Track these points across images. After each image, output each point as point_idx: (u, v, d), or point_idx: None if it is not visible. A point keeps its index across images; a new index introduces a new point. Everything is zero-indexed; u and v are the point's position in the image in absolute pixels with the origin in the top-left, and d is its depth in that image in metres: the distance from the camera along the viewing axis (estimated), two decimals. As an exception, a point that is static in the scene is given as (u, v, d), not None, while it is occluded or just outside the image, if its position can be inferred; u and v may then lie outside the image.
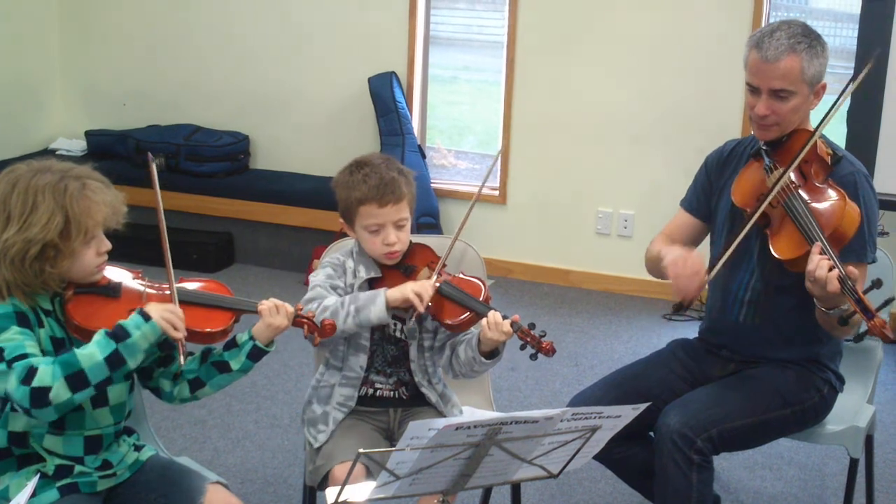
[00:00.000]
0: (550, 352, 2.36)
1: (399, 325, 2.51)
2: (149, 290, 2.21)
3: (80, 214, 2.06)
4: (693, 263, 2.52)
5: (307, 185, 5.51)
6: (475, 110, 6.18)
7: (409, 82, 5.51)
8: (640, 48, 5.12)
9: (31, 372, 1.96)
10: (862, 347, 3.01)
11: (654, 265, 2.74)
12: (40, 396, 1.95)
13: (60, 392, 1.96)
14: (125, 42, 6.07)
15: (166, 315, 2.08)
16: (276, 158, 5.87)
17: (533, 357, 2.37)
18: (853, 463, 2.82)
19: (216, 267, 5.45)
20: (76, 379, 1.98)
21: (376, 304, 2.38)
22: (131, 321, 2.05)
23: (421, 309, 2.38)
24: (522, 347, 2.39)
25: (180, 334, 2.09)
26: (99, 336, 2.03)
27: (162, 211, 2.25)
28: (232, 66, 5.87)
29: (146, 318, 2.05)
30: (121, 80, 6.12)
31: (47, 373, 1.96)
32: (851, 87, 2.55)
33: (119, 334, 2.03)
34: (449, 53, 5.98)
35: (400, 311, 2.44)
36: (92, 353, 2.00)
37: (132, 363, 2.04)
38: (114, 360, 2.01)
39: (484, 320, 2.38)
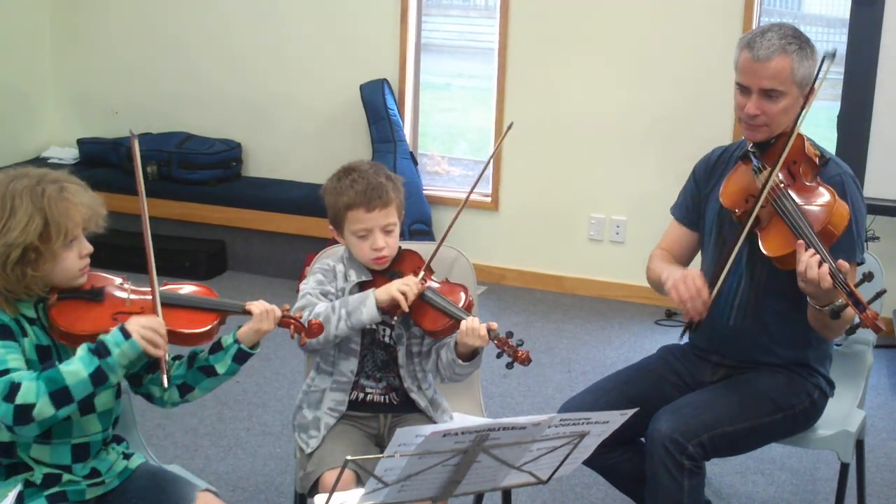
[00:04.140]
0: (526, 361, 2.36)
1: (388, 331, 2.52)
2: (132, 296, 2.20)
3: (59, 216, 2.06)
4: (694, 283, 2.55)
5: (299, 192, 5.51)
6: (468, 117, 6.19)
7: (400, 89, 5.51)
8: (631, 55, 5.13)
9: (15, 388, 1.94)
10: (852, 352, 3.01)
11: (658, 287, 2.76)
12: (24, 413, 1.94)
13: (44, 409, 1.95)
14: (117, 50, 6.07)
15: (146, 333, 2.04)
16: (268, 166, 5.88)
17: (509, 366, 2.37)
18: (844, 468, 2.83)
19: (209, 275, 5.44)
20: (60, 395, 1.97)
21: (367, 305, 2.40)
22: (111, 337, 2.03)
23: (405, 307, 2.40)
24: (499, 356, 2.39)
25: (160, 352, 2.05)
26: (82, 351, 2.02)
27: (145, 202, 2.20)
28: (224, 74, 5.87)
29: (126, 335, 2.03)
30: (113, 88, 6.11)
31: (31, 389, 1.95)
32: (818, 86, 2.55)
33: (101, 351, 2.01)
34: (442, 60, 5.98)
35: (389, 310, 2.45)
36: (77, 370, 1.99)
37: (114, 379, 2.04)
38: (97, 377, 2.00)
39: (462, 324, 2.39)
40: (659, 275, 2.72)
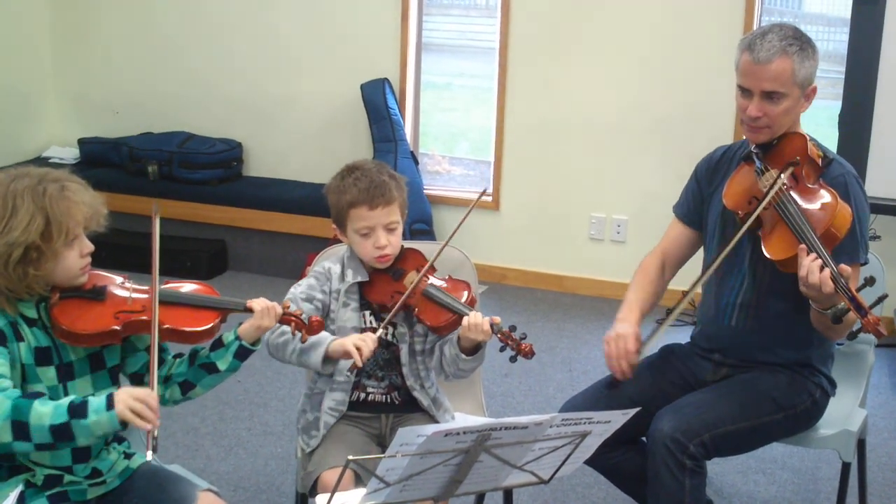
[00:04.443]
0: (530, 354, 2.37)
1: (391, 329, 2.52)
2: (134, 294, 2.20)
3: (60, 215, 2.06)
4: (625, 346, 2.60)
5: (300, 192, 5.51)
6: (469, 116, 6.19)
7: (401, 89, 5.51)
8: (633, 55, 5.12)
9: None
10: (853, 351, 3.01)
11: None
12: None
13: (2, 432, 1.92)
14: (118, 50, 6.07)
15: (135, 406, 1.96)
16: (269, 165, 5.88)
17: (512, 359, 2.38)
18: (845, 467, 2.82)
19: (209, 274, 5.44)
20: (20, 428, 1.92)
21: (317, 353, 2.39)
22: (96, 402, 1.97)
23: (359, 363, 2.36)
24: (502, 349, 2.40)
25: (148, 425, 1.98)
26: (64, 401, 1.97)
27: (157, 256, 2.21)
28: (225, 74, 5.87)
29: (109, 405, 1.96)
30: (114, 87, 6.11)
31: (0, 406, 1.92)
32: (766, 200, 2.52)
33: (78, 410, 1.95)
34: (443, 60, 5.98)
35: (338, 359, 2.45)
36: (43, 413, 1.93)
37: (81, 441, 1.98)
38: (60, 432, 1.94)
39: (465, 319, 2.40)
40: (630, 288, 2.79)
